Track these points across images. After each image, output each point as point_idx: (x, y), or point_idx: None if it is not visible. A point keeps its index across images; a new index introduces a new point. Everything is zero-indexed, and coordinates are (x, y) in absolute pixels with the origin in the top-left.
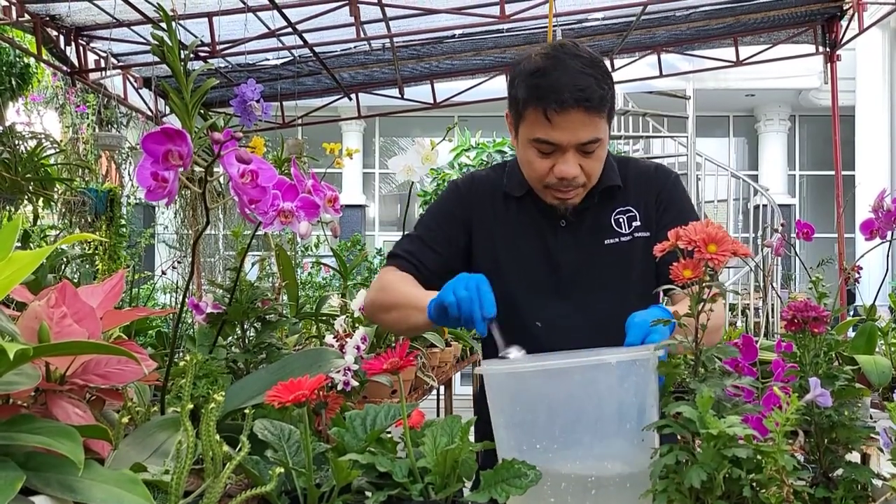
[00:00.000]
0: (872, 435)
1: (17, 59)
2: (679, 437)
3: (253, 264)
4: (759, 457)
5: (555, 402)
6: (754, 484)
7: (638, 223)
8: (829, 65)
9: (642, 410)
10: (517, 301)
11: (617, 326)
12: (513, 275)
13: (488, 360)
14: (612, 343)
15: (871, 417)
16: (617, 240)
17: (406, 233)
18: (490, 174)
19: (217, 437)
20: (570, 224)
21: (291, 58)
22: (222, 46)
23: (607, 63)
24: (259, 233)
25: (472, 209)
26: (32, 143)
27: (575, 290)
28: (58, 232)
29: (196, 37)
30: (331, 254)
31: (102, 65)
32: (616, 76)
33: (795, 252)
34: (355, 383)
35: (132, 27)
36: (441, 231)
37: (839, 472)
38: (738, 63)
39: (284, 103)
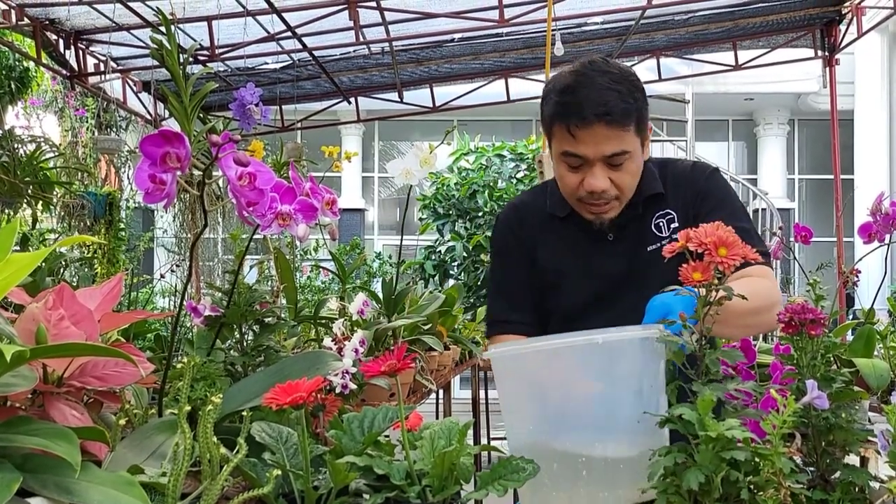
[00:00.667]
0: (870, 438)
1: (17, 63)
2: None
3: (251, 267)
4: (756, 459)
5: (546, 382)
6: (752, 486)
7: (676, 225)
8: (827, 69)
9: (639, 392)
10: (568, 316)
11: None
12: (563, 291)
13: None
14: None
15: (870, 421)
16: (658, 244)
17: (489, 292)
18: (529, 198)
19: (214, 439)
20: (617, 238)
21: (291, 62)
22: (221, 50)
23: None
24: (257, 236)
25: (522, 234)
26: (31, 147)
27: (623, 300)
28: (57, 235)
29: (195, 40)
30: (329, 257)
31: (102, 68)
32: None
33: (794, 256)
34: (353, 386)
35: (131, 31)
36: (512, 274)
37: (837, 474)
38: (737, 67)
39: (284, 107)
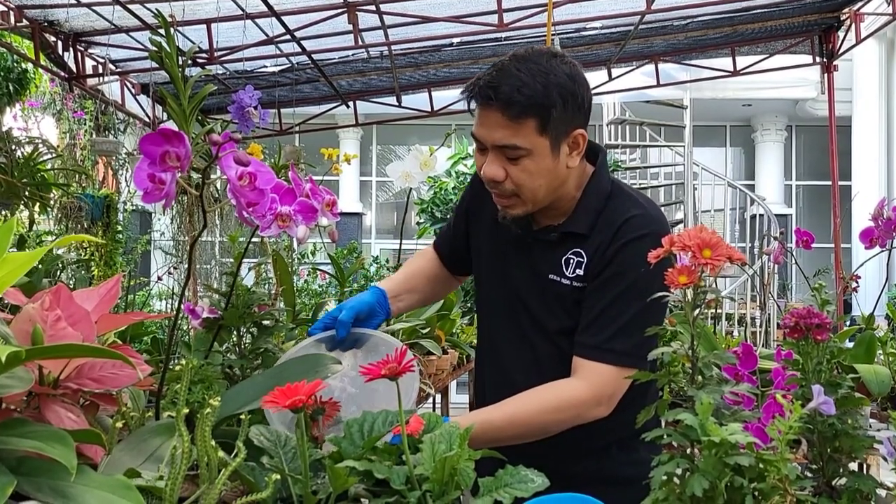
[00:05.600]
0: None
1: (15, 65)
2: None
3: (249, 269)
4: (761, 465)
5: None
6: (756, 493)
7: (581, 272)
8: (825, 75)
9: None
10: (485, 310)
11: (546, 355)
12: (483, 283)
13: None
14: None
15: (871, 426)
16: (559, 279)
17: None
18: None
19: (212, 442)
20: (532, 246)
21: (289, 65)
22: (220, 53)
23: (603, 73)
24: (255, 239)
25: (475, 198)
26: (29, 149)
27: (516, 313)
28: (54, 237)
29: (194, 43)
30: (327, 261)
31: (100, 70)
32: (613, 85)
33: (795, 260)
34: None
35: (130, 33)
36: (451, 227)
37: (842, 481)
38: (735, 73)
39: (282, 110)
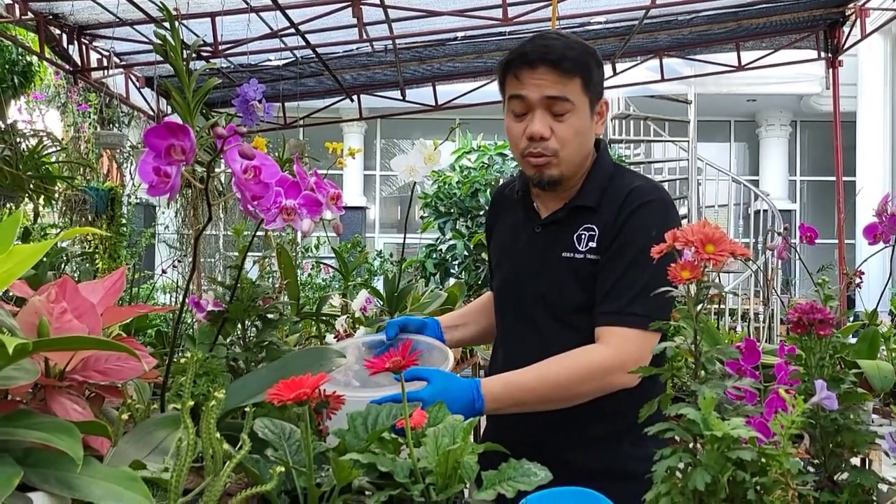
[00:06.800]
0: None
1: (20, 58)
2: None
3: (254, 263)
4: (763, 460)
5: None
6: (758, 487)
7: (594, 244)
8: (830, 70)
9: None
10: (497, 302)
11: (555, 339)
12: (499, 275)
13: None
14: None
15: (872, 422)
16: (572, 255)
17: None
18: (514, 179)
19: (217, 434)
20: (541, 233)
21: (294, 59)
22: (225, 46)
23: (607, 68)
24: (259, 233)
25: (492, 213)
26: (34, 141)
27: (529, 293)
28: (58, 230)
29: (198, 36)
30: (331, 255)
31: (105, 64)
32: (618, 80)
33: (799, 256)
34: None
35: (135, 26)
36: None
37: (844, 476)
38: (739, 68)
39: (286, 104)
